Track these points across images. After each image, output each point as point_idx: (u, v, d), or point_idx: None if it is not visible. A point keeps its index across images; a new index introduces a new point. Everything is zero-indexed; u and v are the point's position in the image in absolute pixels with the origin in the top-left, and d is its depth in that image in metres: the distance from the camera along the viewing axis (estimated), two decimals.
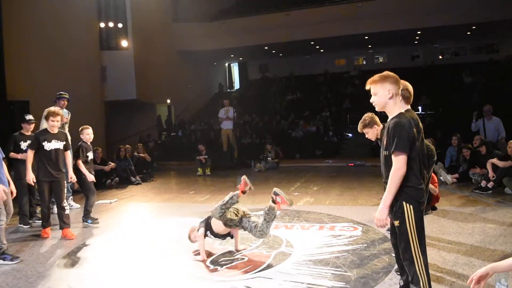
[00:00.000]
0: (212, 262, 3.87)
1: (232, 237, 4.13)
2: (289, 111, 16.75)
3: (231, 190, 4.14)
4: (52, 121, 4.91)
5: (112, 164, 9.10)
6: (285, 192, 3.96)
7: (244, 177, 4.08)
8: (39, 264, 4.03)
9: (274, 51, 20.60)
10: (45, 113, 5.25)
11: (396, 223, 2.49)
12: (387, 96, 2.51)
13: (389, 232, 2.90)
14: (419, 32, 17.43)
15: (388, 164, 2.52)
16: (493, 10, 14.26)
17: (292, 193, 7.31)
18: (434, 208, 5.49)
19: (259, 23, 17.15)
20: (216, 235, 4.03)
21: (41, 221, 5.18)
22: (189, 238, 4.17)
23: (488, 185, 6.65)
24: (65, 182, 5.29)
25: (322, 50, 20.96)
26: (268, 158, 11.69)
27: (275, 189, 3.91)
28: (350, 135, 14.48)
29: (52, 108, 5.20)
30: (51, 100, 6.42)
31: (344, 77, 19.29)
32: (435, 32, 16.83)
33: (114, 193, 8.30)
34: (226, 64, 24.34)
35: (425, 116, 13.86)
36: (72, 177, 5.33)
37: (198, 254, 3.98)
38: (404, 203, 2.45)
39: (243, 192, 4.03)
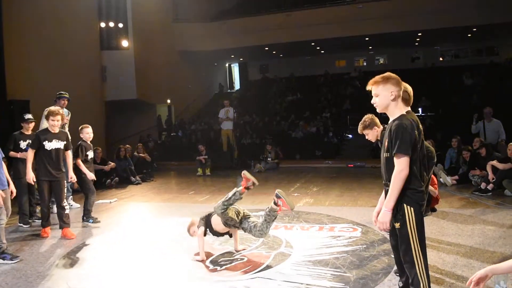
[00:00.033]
0: (211, 262, 3.87)
1: (230, 236, 4.13)
2: (289, 112, 16.75)
3: (231, 191, 4.12)
4: (53, 120, 4.91)
5: (112, 164, 9.10)
6: (285, 193, 3.92)
7: (243, 173, 3.98)
8: (38, 264, 4.03)
9: (274, 52, 20.61)
10: (45, 112, 5.25)
11: (397, 225, 2.49)
12: (389, 97, 2.51)
13: (389, 233, 2.90)
14: (419, 34, 17.45)
15: (389, 166, 2.51)
16: (494, 13, 14.27)
17: (292, 194, 7.31)
18: (434, 210, 5.49)
19: (259, 23, 17.16)
20: (215, 233, 4.03)
21: (40, 221, 5.18)
22: (188, 231, 4.17)
23: (488, 187, 6.66)
24: (65, 181, 5.29)
25: (322, 51, 20.96)
26: (268, 159, 11.70)
27: (277, 191, 3.85)
28: (350, 136, 14.48)
29: (52, 108, 5.19)
30: (51, 100, 6.42)
31: (345, 78, 19.29)
32: (435, 34, 16.84)
33: (114, 193, 8.30)
34: (227, 65, 24.34)
35: (425, 117, 13.87)
36: (72, 177, 5.33)
37: (198, 254, 3.98)
38: (405, 205, 2.44)
39: (247, 188, 3.93)
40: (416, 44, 19.82)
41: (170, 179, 10.72)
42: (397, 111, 2.53)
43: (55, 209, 5.40)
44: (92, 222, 5.60)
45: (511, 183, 6.47)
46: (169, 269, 3.78)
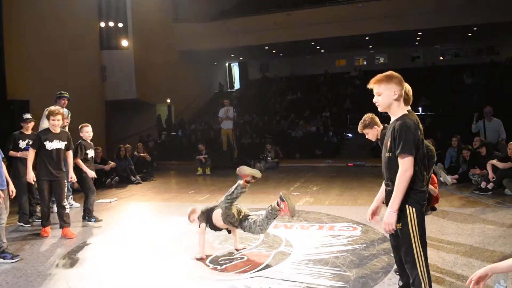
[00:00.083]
0: (211, 261, 3.87)
1: (229, 232, 4.14)
2: (289, 111, 16.75)
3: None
4: (53, 120, 4.90)
5: (112, 164, 9.11)
6: (289, 197, 3.82)
7: (239, 170, 3.91)
8: (39, 263, 4.03)
9: (274, 51, 20.60)
10: (45, 112, 5.26)
11: (398, 225, 2.47)
12: (392, 97, 2.48)
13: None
14: (420, 33, 17.43)
15: (391, 166, 2.50)
16: (494, 12, 14.26)
17: (292, 193, 7.30)
18: (434, 209, 5.49)
19: (259, 23, 17.15)
20: (214, 227, 4.03)
21: (41, 220, 5.18)
22: (189, 218, 4.18)
23: (488, 186, 6.65)
24: (65, 181, 5.30)
25: (322, 50, 20.96)
26: (268, 158, 11.70)
27: (281, 194, 3.77)
28: (350, 135, 14.48)
29: (52, 107, 5.19)
30: (51, 100, 6.43)
31: (345, 78, 19.29)
32: (435, 33, 16.82)
33: (114, 192, 8.30)
34: (227, 64, 24.34)
35: (425, 117, 13.87)
36: (73, 177, 5.33)
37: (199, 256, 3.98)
38: (407, 206, 2.43)
39: (247, 182, 3.89)
40: (416, 43, 19.81)
41: (170, 179, 10.72)
42: (399, 110, 2.52)
43: (55, 208, 5.40)
44: (94, 221, 5.61)
45: (511, 182, 6.47)
46: (169, 268, 3.78)
